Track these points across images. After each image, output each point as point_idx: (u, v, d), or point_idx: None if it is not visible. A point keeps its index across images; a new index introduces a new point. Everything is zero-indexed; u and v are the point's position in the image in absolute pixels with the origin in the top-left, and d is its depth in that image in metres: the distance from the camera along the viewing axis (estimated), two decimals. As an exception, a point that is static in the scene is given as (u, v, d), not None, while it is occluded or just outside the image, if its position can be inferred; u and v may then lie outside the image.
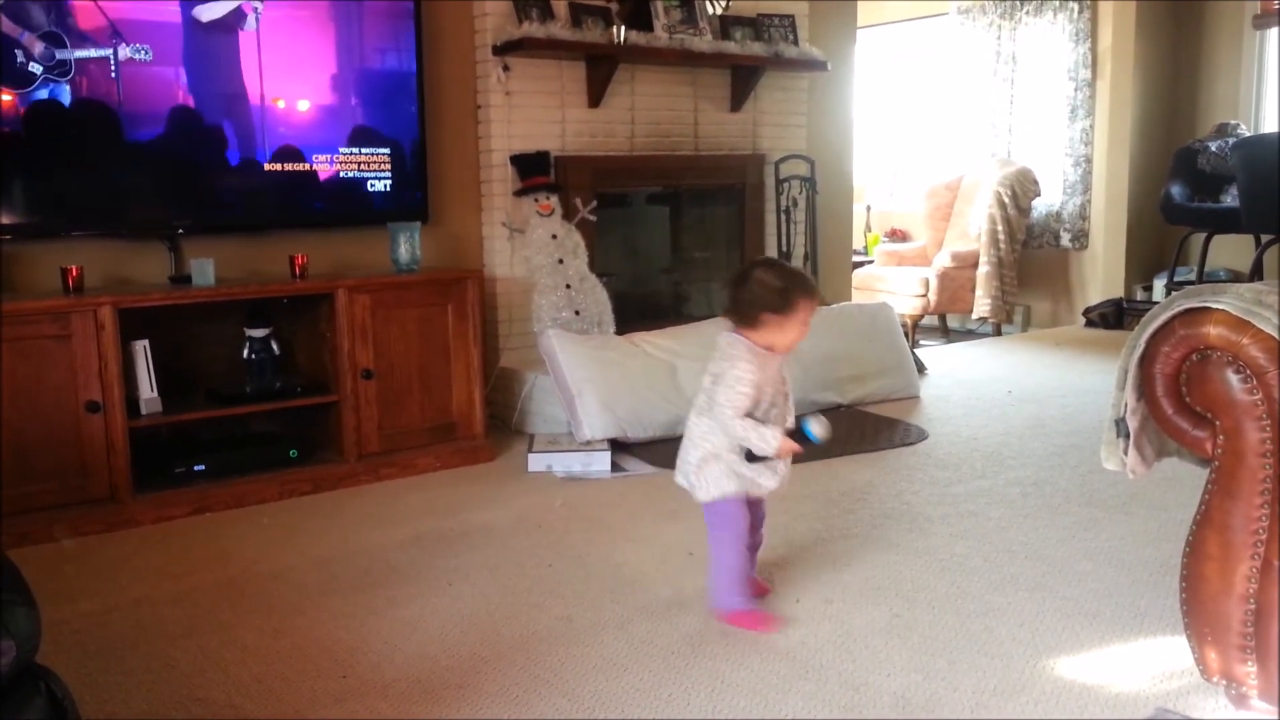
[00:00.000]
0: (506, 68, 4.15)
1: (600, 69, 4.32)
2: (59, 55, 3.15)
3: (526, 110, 4.24)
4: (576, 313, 4.16)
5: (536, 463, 3.54)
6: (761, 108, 4.94)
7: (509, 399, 4.11)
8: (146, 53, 3.29)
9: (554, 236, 4.16)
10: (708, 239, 5.08)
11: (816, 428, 2.25)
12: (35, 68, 3.13)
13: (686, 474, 2.33)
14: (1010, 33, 6.71)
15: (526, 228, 4.17)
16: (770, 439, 2.22)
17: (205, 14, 3.38)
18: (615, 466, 3.55)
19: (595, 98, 4.38)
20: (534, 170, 4.18)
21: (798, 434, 2.27)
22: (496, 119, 4.17)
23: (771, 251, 5.02)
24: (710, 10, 4.62)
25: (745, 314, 2.23)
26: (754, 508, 2.35)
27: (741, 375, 2.19)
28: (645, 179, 4.74)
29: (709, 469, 2.27)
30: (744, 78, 4.77)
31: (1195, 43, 6.35)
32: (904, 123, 7.80)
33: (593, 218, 4.34)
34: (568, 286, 4.16)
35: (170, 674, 2.13)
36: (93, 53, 3.20)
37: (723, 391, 2.21)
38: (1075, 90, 6.39)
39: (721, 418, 2.22)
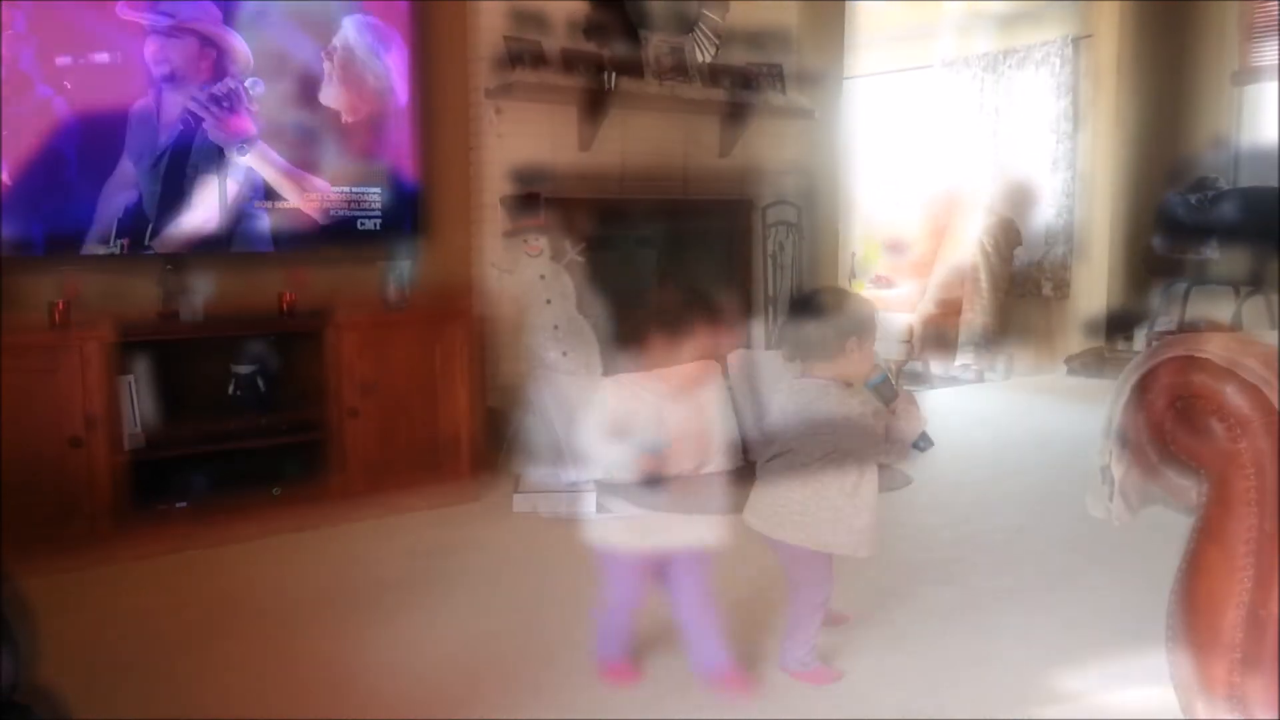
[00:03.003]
0: (499, 110, 4.19)
1: (591, 113, 4.37)
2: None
3: (518, 152, 4.27)
4: (564, 353, 4.16)
5: (522, 503, 3.53)
6: (750, 154, 5.00)
7: (496, 438, 4.10)
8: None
9: (542, 277, 4.17)
10: (696, 282, 5.10)
11: None
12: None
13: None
14: (994, 85, 6.83)
15: (515, 268, 4.18)
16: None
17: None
18: (601, 507, 3.54)
19: (586, 141, 4.43)
20: (524, 212, 4.20)
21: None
22: (489, 160, 4.20)
23: (758, 295, 5.05)
24: (700, 58, 4.69)
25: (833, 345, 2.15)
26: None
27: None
28: (635, 222, 4.77)
29: None
30: (733, 124, 4.84)
31: (1176, 97, 6.47)
32: (889, 170, 7.89)
33: (580, 259, 4.36)
34: (555, 327, 4.17)
35: (152, 713, 2.10)
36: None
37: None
38: (1057, 142, 6.49)
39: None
